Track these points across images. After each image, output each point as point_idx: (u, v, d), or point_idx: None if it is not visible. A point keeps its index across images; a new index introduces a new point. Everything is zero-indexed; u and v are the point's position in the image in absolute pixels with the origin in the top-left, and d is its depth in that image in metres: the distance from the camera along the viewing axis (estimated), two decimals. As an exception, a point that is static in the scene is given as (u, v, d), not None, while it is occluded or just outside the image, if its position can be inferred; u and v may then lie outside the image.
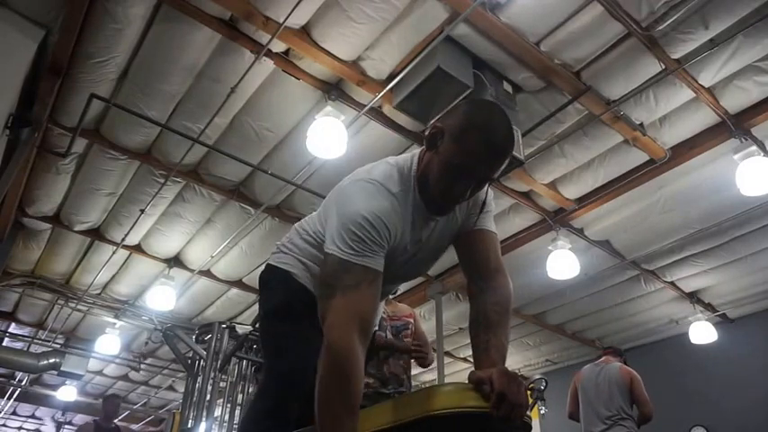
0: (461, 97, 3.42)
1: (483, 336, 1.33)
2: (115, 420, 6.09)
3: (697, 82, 3.62)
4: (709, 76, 3.58)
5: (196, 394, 4.72)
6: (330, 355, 1.20)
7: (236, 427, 4.41)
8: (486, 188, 1.48)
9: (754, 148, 3.87)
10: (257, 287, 1.77)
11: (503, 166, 1.34)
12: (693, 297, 6.02)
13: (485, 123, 1.31)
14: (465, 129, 1.31)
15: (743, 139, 3.87)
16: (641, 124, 3.95)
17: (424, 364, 2.99)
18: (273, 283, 1.61)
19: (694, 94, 3.70)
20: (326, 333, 1.22)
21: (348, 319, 1.21)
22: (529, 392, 1.18)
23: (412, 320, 3.14)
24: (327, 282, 1.28)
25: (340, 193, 1.42)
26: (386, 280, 1.36)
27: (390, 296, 3.14)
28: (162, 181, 4.60)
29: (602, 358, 4.45)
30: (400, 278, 1.60)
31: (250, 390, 4.58)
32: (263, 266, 1.74)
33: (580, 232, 5.10)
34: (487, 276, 1.44)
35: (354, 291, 1.24)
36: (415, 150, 1.49)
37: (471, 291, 1.45)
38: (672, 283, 5.84)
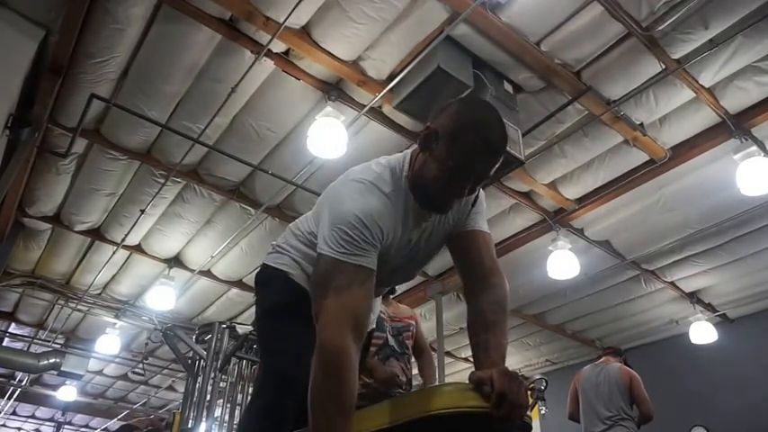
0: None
1: (482, 336, 1.33)
2: None
3: (697, 82, 3.62)
4: (709, 76, 3.58)
5: (196, 394, 4.71)
6: (323, 354, 1.19)
7: (236, 427, 4.41)
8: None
9: (755, 148, 3.87)
10: (256, 287, 1.77)
11: (498, 164, 1.35)
12: (693, 297, 6.02)
13: (479, 123, 1.31)
14: (460, 129, 1.31)
15: (743, 140, 3.87)
16: (641, 124, 3.95)
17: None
18: (269, 283, 1.62)
19: (694, 94, 3.70)
20: (319, 333, 1.21)
21: (341, 319, 1.20)
22: (529, 392, 1.18)
23: (413, 322, 3.08)
24: (320, 282, 1.28)
25: (332, 194, 1.43)
26: (380, 281, 1.37)
27: (391, 296, 3.12)
28: (162, 181, 4.60)
29: (603, 359, 4.45)
30: (394, 280, 1.61)
31: (250, 390, 4.58)
32: (262, 267, 1.74)
33: (580, 232, 5.10)
34: (483, 276, 1.44)
35: (347, 290, 1.23)
36: (407, 151, 1.47)
37: (468, 292, 1.46)
38: (672, 283, 5.84)
